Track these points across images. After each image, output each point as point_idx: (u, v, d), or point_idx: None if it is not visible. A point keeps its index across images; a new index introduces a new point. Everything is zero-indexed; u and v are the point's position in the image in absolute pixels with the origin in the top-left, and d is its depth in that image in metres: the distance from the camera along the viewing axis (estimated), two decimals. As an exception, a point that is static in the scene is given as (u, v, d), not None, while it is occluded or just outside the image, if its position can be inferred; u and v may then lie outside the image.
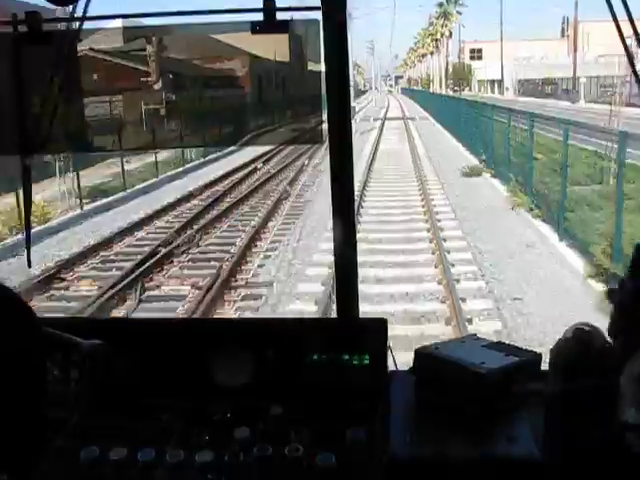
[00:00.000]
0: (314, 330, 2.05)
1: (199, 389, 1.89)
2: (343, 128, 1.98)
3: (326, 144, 1.98)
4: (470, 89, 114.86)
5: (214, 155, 30.64)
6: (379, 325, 1.94)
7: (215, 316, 9.40)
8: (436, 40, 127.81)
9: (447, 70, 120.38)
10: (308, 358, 1.92)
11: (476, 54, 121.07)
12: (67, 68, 1.96)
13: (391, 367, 1.98)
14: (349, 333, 1.98)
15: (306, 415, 1.79)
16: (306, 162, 28.16)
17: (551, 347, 1.77)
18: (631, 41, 1.83)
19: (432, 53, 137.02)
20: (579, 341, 1.72)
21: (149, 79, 2.93)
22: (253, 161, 28.49)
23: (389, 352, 1.94)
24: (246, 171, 26.32)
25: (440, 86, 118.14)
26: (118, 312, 10.20)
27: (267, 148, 28.11)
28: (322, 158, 26.76)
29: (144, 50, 2.76)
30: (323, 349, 1.92)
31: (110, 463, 1.64)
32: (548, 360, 1.79)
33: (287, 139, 3.29)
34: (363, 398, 1.84)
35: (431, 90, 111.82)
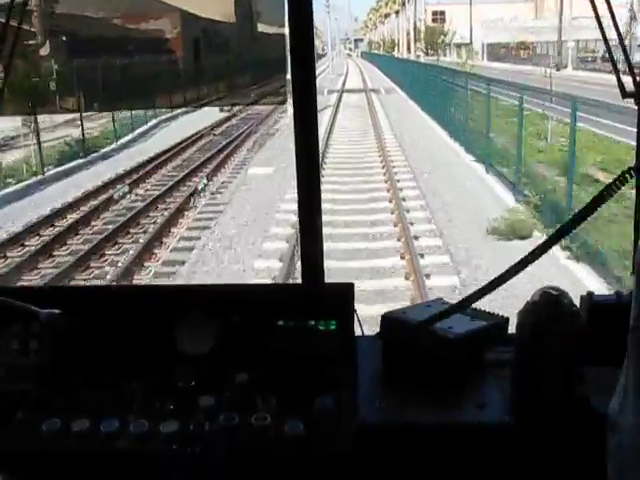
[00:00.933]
0: (280, 296, 2.02)
1: (163, 357, 1.86)
2: (308, 93, 1.93)
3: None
4: (444, 54, 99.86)
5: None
6: (345, 290, 1.92)
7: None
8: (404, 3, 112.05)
9: (416, 32, 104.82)
10: (274, 324, 1.89)
11: (439, 17, 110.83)
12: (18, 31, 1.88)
13: (358, 332, 1.96)
14: (315, 299, 1.95)
15: (273, 382, 1.77)
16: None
17: (518, 310, 1.77)
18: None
19: (397, 13, 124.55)
20: (546, 304, 1.72)
21: (31, 42, 2.25)
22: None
23: (356, 317, 1.92)
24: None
25: (409, 50, 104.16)
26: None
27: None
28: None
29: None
30: (289, 315, 1.89)
31: (72, 435, 1.61)
32: (515, 323, 1.79)
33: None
34: (330, 364, 1.82)
35: (396, 55, 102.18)
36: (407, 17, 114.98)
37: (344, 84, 52.38)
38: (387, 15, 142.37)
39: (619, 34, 1.80)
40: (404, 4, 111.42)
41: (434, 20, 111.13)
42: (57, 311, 1.83)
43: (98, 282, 9.24)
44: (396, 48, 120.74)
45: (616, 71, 1.80)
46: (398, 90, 42.56)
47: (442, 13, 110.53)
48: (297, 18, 1.88)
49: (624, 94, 1.74)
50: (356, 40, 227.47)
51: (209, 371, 1.81)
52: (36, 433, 1.62)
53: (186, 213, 13.01)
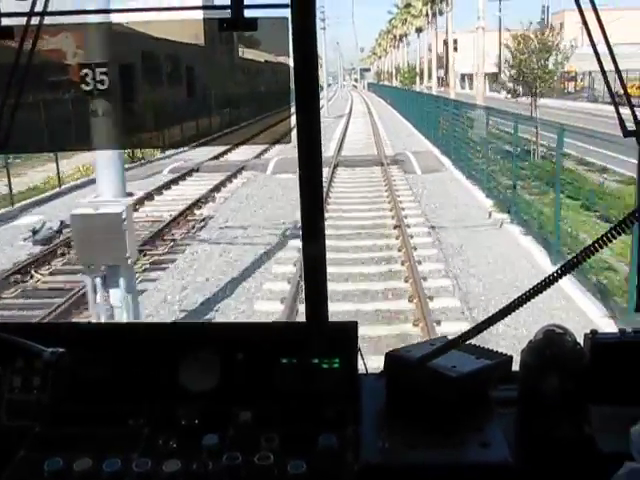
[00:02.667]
0: (283, 334, 2.02)
1: (167, 394, 1.85)
2: (312, 127, 1.94)
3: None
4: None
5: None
6: (349, 328, 1.92)
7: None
8: (428, 15, 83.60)
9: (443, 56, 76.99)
10: (278, 362, 1.89)
11: (452, 45, 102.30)
12: (28, 64, 1.90)
13: (362, 370, 1.96)
14: (319, 337, 1.95)
15: (276, 421, 1.77)
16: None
17: (522, 348, 1.77)
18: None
19: (420, 30, 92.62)
20: (549, 342, 1.71)
21: None
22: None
23: (359, 356, 1.92)
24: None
25: (440, 83, 78.09)
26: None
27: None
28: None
29: None
30: (293, 353, 1.89)
31: (75, 474, 1.60)
32: (519, 361, 1.78)
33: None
34: (334, 403, 1.81)
35: (419, 87, 78.17)
36: (430, 38, 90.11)
37: (341, 143, 33.04)
38: (403, 37, 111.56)
39: (617, 69, 1.80)
40: (435, 15, 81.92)
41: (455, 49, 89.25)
42: (61, 349, 1.83)
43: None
44: (418, 79, 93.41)
45: (616, 108, 1.79)
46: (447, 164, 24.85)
47: (455, 42, 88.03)
48: (302, 51, 1.90)
49: (625, 132, 1.74)
50: (362, 70, 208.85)
51: (213, 409, 1.80)
52: (38, 472, 1.60)
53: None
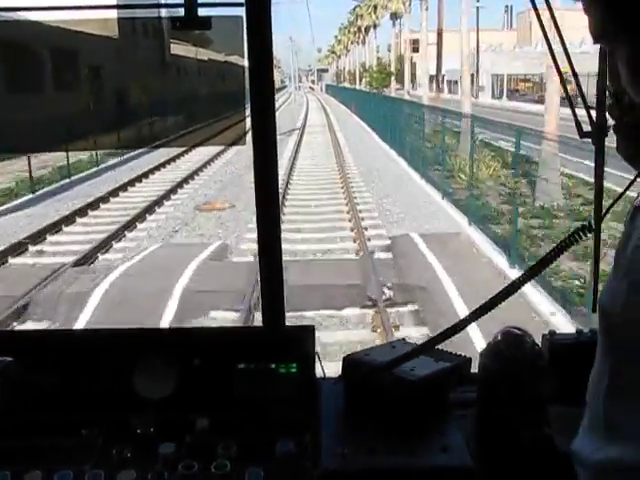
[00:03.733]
0: (240, 339, 1.99)
1: (121, 402, 1.81)
2: (267, 128, 1.91)
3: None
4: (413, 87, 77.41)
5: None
6: (306, 333, 1.89)
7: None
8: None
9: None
10: (235, 368, 1.86)
11: (411, 46, 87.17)
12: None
13: (320, 375, 1.94)
14: (276, 342, 1.93)
15: (234, 427, 1.74)
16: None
17: (480, 350, 1.76)
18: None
19: (396, 17, 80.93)
20: (508, 343, 1.71)
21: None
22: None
23: (317, 360, 1.90)
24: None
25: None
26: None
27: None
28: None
29: None
30: (250, 358, 1.86)
31: None
32: (478, 363, 1.77)
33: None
34: (292, 408, 1.79)
35: (393, 92, 65.72)
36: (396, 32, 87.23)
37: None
38: (369, 29, 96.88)
39: (573, 69, 1.80)
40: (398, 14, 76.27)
41: (414, 50, 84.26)
42: (9, 358, 1.78)
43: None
44: (393, 81, 78.91)
45: (572, 108, 1.79)
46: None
47: (415, 42, 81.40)
48: (257, 50, 1.86)
49: (581, 133, 1.75)
50: (320, 71, 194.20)
51: (169, 417, 1.77)
52: None
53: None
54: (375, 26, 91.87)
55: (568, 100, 1.87)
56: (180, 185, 20.76)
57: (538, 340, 1.79)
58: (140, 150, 24.32)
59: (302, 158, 27.31)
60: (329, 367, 2.01)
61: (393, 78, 64.07)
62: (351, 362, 1.86)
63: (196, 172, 23.62)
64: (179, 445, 1.67)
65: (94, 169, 23.59)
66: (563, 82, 1.90)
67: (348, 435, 1.77)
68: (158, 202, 18.03)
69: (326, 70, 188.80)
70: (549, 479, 1.58)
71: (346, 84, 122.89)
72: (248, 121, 1.93)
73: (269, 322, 2.03)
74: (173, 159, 26.72)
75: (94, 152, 22.42)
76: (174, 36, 2.00)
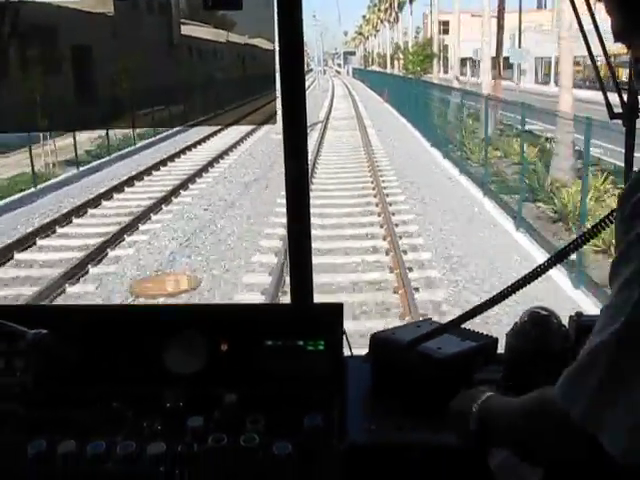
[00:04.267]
0: (268, 316, 2.01)
1: (151, 376, 1.84)
2: (297, 108, 1.93)
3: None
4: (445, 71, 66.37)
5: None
6: (334, 310, 1.91)
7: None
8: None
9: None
10: (263, 344, 1.88)
11: (442, 27, 71.32)
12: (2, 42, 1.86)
13: (347, 353, 1.96)
14: (304, 319, 1.95)
15: (261, 403, 1.76)
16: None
17: (507, 331, 1.77)
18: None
19: None
20: (535, 324, 1.72)
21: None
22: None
23: (344, 337, 1.92)
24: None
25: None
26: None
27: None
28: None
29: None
30: (278, 335, 1.89)
31: (58, 456, 1.59)
32: (504, 344, 1.78)
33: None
34: (319, 384, 1.81)
35: (436, 77, 46.65)
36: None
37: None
38: (403, 4, 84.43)
39: (605, 52, 1.79)
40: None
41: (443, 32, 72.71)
42: (44, 331, 1.82)
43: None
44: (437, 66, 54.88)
45: (603, 90, 1.78)
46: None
47: (446, 23, 75.41)
48: (287, 29, 1.87)
49: (612, 115, 1.74)
50: (346, 54, 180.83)
51: (198, 391, 1.80)
52: (21, 454, 1.60)
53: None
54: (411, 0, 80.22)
55: (599, 82, 1.87)
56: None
57: (565, 321, 1.80)
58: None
59: (323, 170, 19.22)
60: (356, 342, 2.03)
61: (436, 61, 44.74)
62: (378, 340, 1.88)
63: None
64: (208, 419, 1.70)
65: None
66: (595, 64, 1.90)
67: (374, 411, 1.79)
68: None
69: (353, 53, 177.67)
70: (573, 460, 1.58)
71: (375, 67, 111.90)
72: (278, 101, 1.94)
73: (297, 299, 2.05)
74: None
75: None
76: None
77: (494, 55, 26.45)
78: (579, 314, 1.86)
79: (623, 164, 1.93)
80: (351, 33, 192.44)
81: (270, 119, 2.02)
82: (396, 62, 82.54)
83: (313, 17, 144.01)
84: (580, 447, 1.14)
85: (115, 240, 11.98)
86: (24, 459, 1.60)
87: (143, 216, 13.79)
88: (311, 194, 1.99)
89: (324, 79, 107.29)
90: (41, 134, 18.11)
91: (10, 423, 1.71)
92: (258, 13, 1.98)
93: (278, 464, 1.59)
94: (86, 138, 23.24)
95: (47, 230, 12.83)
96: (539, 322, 1.72)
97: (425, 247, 11.30)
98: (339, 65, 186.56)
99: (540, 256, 10.58)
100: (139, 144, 24.18)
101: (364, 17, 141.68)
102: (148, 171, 19.40)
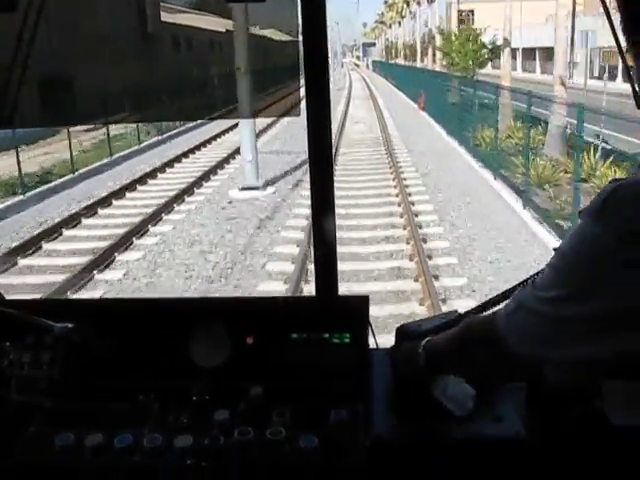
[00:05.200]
0: (294, 309, 2.01)
1: (177, 370, 1.85)
2: (321, 101, 1.92)
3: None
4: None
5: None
6: (360, 303, 1.91)
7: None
8: None
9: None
10: (288, 337, 1.88)
11: (466, 17, 72.61)
12: (33, 34, 1.87)
13: (372, 345, 1.95)
14: (329, 311, 1.94)
15: (287, 396, 1.76)
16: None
17: None
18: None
19: None
20: None
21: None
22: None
23: (370, 330, 1.91)
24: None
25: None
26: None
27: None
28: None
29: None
30: (303, 328, 1.89)
31: (86, 449, 1.61)
32: None
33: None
34: (345, 377, 1.81)
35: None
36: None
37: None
38: None
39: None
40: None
41: (461, 21, 66.14)
42: (70, 325, 1.84)
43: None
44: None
45: (630, 79, 1.75)
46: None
47: (471, 12, 73.12)
48: (311, 20, 1.87)
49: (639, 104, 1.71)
50: (366, 45, 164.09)
51: (224, 384, 1.80)
52: (49, 447, 1.61)
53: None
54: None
55: (627, 72, 1.83)
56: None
57: None
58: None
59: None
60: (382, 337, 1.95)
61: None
62: (404, 332, 1.87)
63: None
64: (234, 412, 1.70)
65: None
66: (622, 54, 1.86)
67: (400, 405, 1.79)
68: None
69: (373, 44, 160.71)
70: (601, 452, 1.57)
71: (400, 60, 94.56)
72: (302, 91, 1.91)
73: (322, 291, 2.05)
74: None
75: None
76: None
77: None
78: None
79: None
80: (370, 24, 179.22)
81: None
82: (429, 54, 65.61)
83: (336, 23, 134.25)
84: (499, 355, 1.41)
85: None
86: (52, 451, 1.61)
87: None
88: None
89: (340, 74, 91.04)
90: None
91: (38, 416, 1.73)
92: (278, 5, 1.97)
93: (304, 457, 1.59)
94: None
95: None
96: None
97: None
98: (357, 57, 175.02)
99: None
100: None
101: (386, 2, 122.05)
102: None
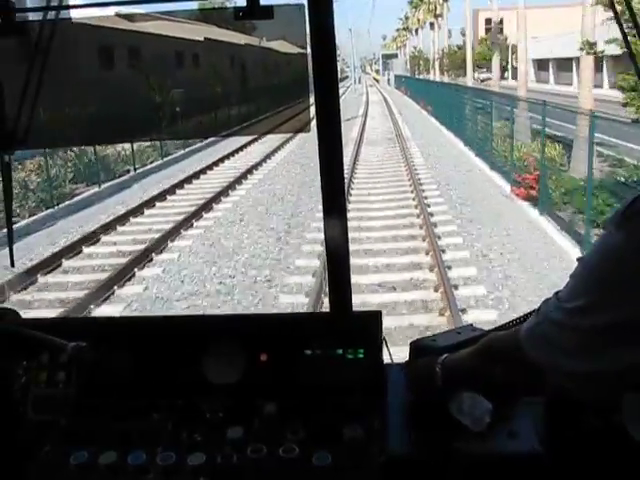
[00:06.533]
0: (308, 325, 2.00)
1: (190, 387, 1.85)
2: (332, 117, 1.92)
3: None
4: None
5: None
6: (373, 318, 1.90)
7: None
8: None
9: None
10: (302, 354, 1.88)
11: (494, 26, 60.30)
12: (45, 59, 1.89)
13: (387, 360, 1.93)
14: (343, 327, 1.93)
15: (301, 413, 1.75)
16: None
17: None
18: None
19: None
20: None
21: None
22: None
23: (384, 345, 1.90)
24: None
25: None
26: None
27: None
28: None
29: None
30: (317, 344, 1.88)
31: (100, 467, 1.61)
32: None
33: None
34: (359, 394, 1.80)
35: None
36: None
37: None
38: None
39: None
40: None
41: (488, 30, 66.52)
42: (83, 343, 1.85)
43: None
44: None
45: None
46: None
47: (500, 22, 51.22)
48: (320, 44, 1.87)
49: None
50: (386, 57, 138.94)
51: (237, 402, 1.80)
52: (64, 465, 1.62)
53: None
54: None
55: (638, 76, 1.81)
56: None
57: None
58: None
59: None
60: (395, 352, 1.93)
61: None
62: (418, 348, 1.86)
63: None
64: (247, 429, 1.70)
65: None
66: (634, 61, 1.84)
67: (415, 421, 1.77)
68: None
69: (395, 55, 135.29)
70: (620, 467, 1.54)
71: (433, 76, 69.60)
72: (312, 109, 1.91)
73: (336, 307, 2.04)
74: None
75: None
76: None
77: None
78: None
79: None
80: (390, 36, 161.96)
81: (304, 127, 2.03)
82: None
83: (349, 30, 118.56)
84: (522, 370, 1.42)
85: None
86: (67, 470, 1.62)
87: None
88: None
89: (355, 93, 76.41)
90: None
91: (53, 434, 1.74)
92: (293, 21, 1.98)
93: (318, 475, 1.58)
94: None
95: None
96: None
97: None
98: (377, 71, 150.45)
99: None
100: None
101: (411, 2, 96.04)
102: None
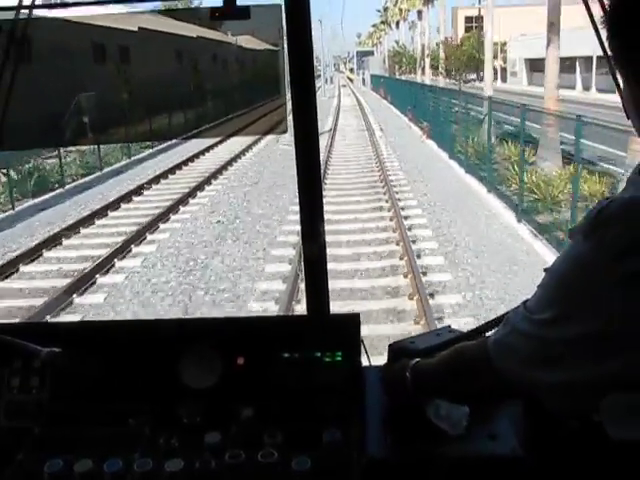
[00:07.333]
0: (285, 328, 1.99)
1: (167, 392, 1.83)
2: (308, 115, 1.91)
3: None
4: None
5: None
6: (351, 321, 1.88)
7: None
8: None
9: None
10: (279, 357, 1.86)
11: (474, 24, 67.07)
12: (19, 58, 1.86)
13: (365, 363, 1.92)
14: (320, 330, 1.92)
15: (279, 417, 1.74)
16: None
17: None
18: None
19: None
20: None
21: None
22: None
23: (362, 348, 1.88)
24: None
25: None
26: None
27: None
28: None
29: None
30: (294, 347, 1.86)
31: (75, 475, 1.58)
32: None
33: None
34: (337, 397, 1.78)
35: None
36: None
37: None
38: None
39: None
40: None
41: (468, 29, 67.55)
42: (57, 349, 1.82)
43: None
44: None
45: (619, 90, 1.72)
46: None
47: (479, 19, 59.10)
48: (297, 44, 1.86)
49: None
50: (362, 54, 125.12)
51: (214, 406, 1.78)
52: (38, 474, 1.58)
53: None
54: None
55: (615, 82, 1.80)
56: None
57: None
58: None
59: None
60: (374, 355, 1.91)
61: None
62: (396, 350, 1.85)
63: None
64: (225, 434, 1.68)
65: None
66: (610, 64, 1.83)
67: (394, 424, 1.76)
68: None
69: (370, 53, 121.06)
70: (599, 467, 1.54)
71: (421, 77, 52.91)
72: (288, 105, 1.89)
73: (314, 310, 2.02)
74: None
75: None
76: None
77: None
78: None
79: None
80: (364, 34, 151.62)
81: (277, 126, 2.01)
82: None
83: (319, 22, 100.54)
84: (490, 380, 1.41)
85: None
86: (41, 479, 1.58)
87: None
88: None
89: (326, 95, 64.40)
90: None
91: (26, 442, 1.71)
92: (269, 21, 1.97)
93: (297, 479, 1.56)
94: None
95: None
96: None
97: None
98: (351, 70, 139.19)
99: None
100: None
101: None
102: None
